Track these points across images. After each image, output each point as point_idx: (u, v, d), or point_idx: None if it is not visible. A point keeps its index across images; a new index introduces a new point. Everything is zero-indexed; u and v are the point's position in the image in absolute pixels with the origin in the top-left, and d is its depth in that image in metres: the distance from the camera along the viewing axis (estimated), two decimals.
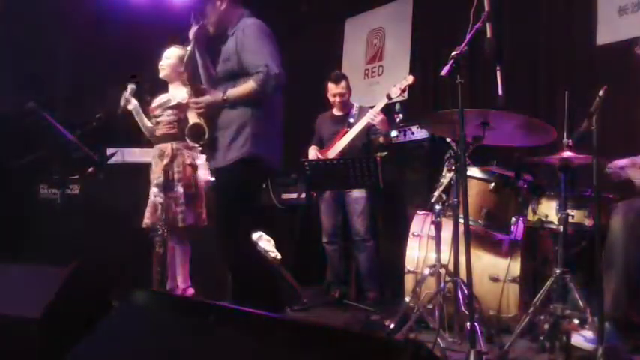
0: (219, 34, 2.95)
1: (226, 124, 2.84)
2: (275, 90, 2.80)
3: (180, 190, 3.43)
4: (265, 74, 2.70)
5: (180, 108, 3.49)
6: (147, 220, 3.46)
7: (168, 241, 3.52)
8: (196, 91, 2.96)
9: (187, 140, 3.01)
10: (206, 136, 2.86)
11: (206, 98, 2.90)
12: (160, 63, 3.61)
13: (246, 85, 2.77)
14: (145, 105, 3.66)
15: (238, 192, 2.82)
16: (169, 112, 3.53)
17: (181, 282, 3.55)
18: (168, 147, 3.47)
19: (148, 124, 3.63)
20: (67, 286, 1.94)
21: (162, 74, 3.60)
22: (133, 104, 3.56)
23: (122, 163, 4.10)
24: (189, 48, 2.95)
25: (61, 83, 5.56)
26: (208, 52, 3.02)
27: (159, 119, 3.57)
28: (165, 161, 3.45)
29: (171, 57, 3.60)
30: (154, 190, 3.44)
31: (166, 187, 3.41)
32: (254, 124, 2.79)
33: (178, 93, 3.54)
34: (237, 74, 2.83)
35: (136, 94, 3.58)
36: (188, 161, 3.49)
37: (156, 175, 3.46)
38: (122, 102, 3.54)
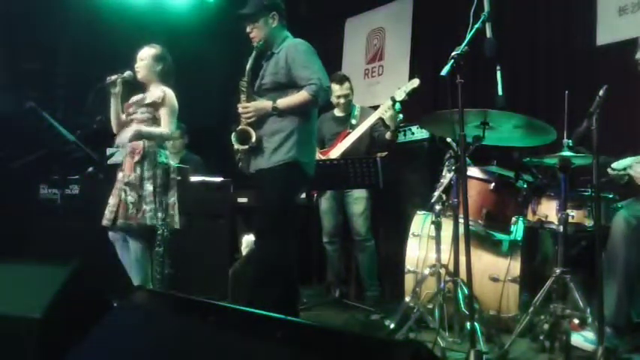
0: (264, 50, 3.17)
1: (274, 130, 3.05)
2: (324, 101, 3.08)
3: (149, 188, 3.36)
4: (318, 86, 2.95)
5: (155, 106, 3.45)
6: (120, 221, 3.33)
7: (129, 240, 3.40)
8: (249, 98, 3.13)
9: (233, 142, 3.09)
10: (253, 140, 3.05)
11: (255, 104, 3.09)
12: (136, 66, 3.53)
13: (299, 95, 3.00)
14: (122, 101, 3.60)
15: (280, 192, 3.02)
16: (144, 109, 3.46)
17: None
18: (140, 145, 3.42)
19: (122, 116, 3.57)
20: (67, 286, 1.94)
21: (139, 77, 3.53)
22: (118, 90, 3.49)
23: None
24: (251, 60, 3.12)
25: (61, 83, 5.55)
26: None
27: (132, 116, 3.49)
28: (137, 158, 3.38)
29: (145, 57, 3.53)
30: (124, 189, 3.39)
31: (137, 184, 3.35)
32: (300, 133, 3.04)
33: (155, 92, 3.49)
34: (285, 86, 3.06)
35: (125, 85, 3.53)
36: (160, 159, 3.42)
37: (127, 173, 3.42)
38: (109, 79, 3.45)
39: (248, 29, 3.16)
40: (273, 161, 3.02)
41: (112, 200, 3.40)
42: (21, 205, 4.38)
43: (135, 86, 3.61)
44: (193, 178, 4.34)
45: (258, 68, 3.19)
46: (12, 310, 1.87)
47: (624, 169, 2.75)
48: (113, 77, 3.49)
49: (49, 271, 2.03)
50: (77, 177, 4.23)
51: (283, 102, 3.03)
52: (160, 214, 3.37)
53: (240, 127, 3.10)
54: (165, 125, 3.46)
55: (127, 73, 3.51)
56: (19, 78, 5.08)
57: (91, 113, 3.70)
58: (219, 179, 4.42)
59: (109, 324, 1.65)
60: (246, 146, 3.07)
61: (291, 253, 3.08)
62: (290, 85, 3.05)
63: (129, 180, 3.37)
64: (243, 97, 3.13)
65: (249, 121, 3.08)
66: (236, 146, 3.12)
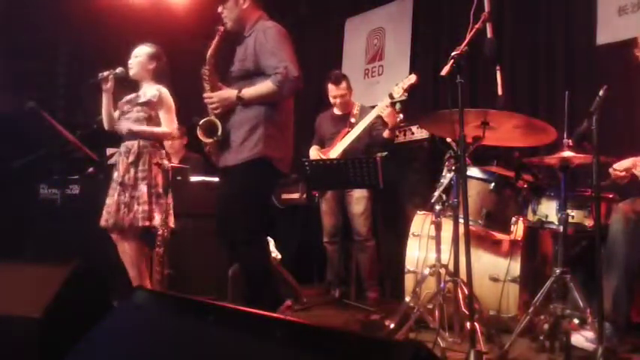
0: (235, 33, 2.97)
1: (239, 123, 2.86)
2: (292, 92, 2.83)
3: (143, 188, 3.33)
4: (284, 76, 2.73)
5: (150, 105, 3.44)
6: (110, 220, 3.33)
7: (122, 241, 3.38)
8: (213, 87, 2.97)
9: (199, 135, 2.97)
10: (219, 133, 2.87)
11: (219, 94, 2.92)
12: (129, 62, 3.52)
13: (264, 86, 2.79)
14: (115, 100, 3.59)
15: (249, 192, 2.84)
16: (138, 108, 3.45)
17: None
18: (134, 144, 3.39)
19: (114, 114, 3.56)
20: (67, 286, 1.94)
21: (131, 73, 3.51)
22: (110, 86, 3.48)
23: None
24: (212, 45, 2.98)
25: (61, 83, 5.56)
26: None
27: (127, 115, 3.49)
28: (131, 158, 3.36)
29: (140, 55, 3.52)
30: (117, 189, 3.38)
31: (130, 185, 3.33)
32: (267, 126, 2.82)
33: (149, 91, 3.47)
34: (253, 74, 2.85)
35: (117, 82, 3.53)
36: (154, 160, 3.39)
37: (121, 173, 3.39)
38: (101, 75, 3.44)
39: (219, 10, 2.98)
40: (240, 158, 2.83)
41: (109, 201, 3.40)
42: (21, 205, 4.39)
43: (128, 84, 3.61)
44: (193, 178, 4.34)
45: (233, 53, 3.02)
46: (12, 310, 1.87)
47: (626, 169, 2.76)
48: (105, 73, 3.48)
49: (49, 271, 2.03)
50: (77, 177, 4.23)
51: (248, 92, 2.82)
52: (158, 215, 3.37)
53: (206, 118, 2.94)
54: (167, 125, 3.46)
55: (119, 70, 3.50)
56: (19, 78, 5.08)
57: (88, 111, 3.70)
58: (219, 179, 4.42)
59: (109, 324, 1.65)
60: (212, 139, 2.90)
61: (262, 251, 2.96)
62: (258, 73, 2.83)
63: (122, 180, 3.36)
64: (207, 86, 2.95)
65: (215, 112, 2.91)
66: (202, 139, 2.96)
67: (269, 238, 4.19)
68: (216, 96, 2.91)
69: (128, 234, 3.36)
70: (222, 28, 2.97)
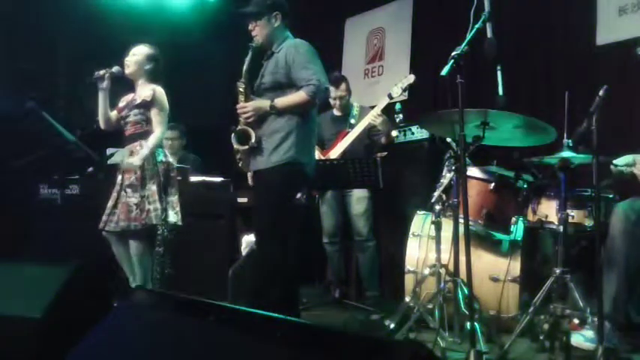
0: (263, 49, 3.17)
1: (272, 130, 3.03)
2: (322, 101, 3.08)
3: (153, 187, 3.34)
4: (317, 87, 2.93)
5: (146, 106, 3.43)
6: (122, 223, 3.32)
7: (132, 241, 3.37)
8: (246, 98, 3.11)
9: (233, 143, 3.07)
10: (252, 141, 3.03)
11: (253, 104, 3.07)
12: (126, 59, 3.51)
13: (297, 96, 2.98)
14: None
15: (279, 192, 3.01)
16: (136, 111, 3.44)
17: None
18: (137, 146, 3.40)
19: (112, 115, 3.55)
20: (67, 286, 1.94)
21: (127, 71, 3.50)
22: (106, 85, 3.48)
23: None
24: (247, 61, 3.11)
25: (61, 83, 5.55)
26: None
27: (126, 119, 3.48)
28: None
29: (137, 53, 3.51)
30: (127, 191, 3.35)
31: (138, 185, 3.33)
32: (298, 133, 3.01)
33: (143, 91, 3.47)
34: (284, 86, 3.05)
35: (114, 81, 3.51)
36: (159, 158, 3.41)
37: (127, 175, 3.37)
38: (97, 74, 3.44)
39: (250, 27, 3.14)
40: (272, 161, 3.00)
41: (111, 203, 3.39)
42: (21, 205, 4.38)
43: (125, 83, 3.60)
44: (193, 178, 4.34)
45: (259, 67, 3.18)
46: (12, 310, 1.87)
47: (627, 165, 2.75)
48: (101, 72, 3.47)
49: (49, 271, 2.04)
50: (77, 177, 4.22)
51: (281, 101, 3.01)
52: (170, 211, 3.38)
53: (239, 127, 3.08)
54: (157, 125, 3.43)
55: (116, 69, 3.49)
56: (19, 78, 5.07)
57: (88, 111, 3.69)
58: (219, 179, 4.42)
59: (109, 324, 1.65)
60: (246, 147, 3.05)
61: (292, 253, 3.07)
62: (289, 85, 3.03)
63: (130, 182, 3.36)
64: (241, 98, 3.11)
65: (248, 121, 3.05)
66: (236, 147, 3.10)
67: None
68: (251, 106, 3.06)
69: (137, 235, 3.36)
70: (254, 44, 3.14)
